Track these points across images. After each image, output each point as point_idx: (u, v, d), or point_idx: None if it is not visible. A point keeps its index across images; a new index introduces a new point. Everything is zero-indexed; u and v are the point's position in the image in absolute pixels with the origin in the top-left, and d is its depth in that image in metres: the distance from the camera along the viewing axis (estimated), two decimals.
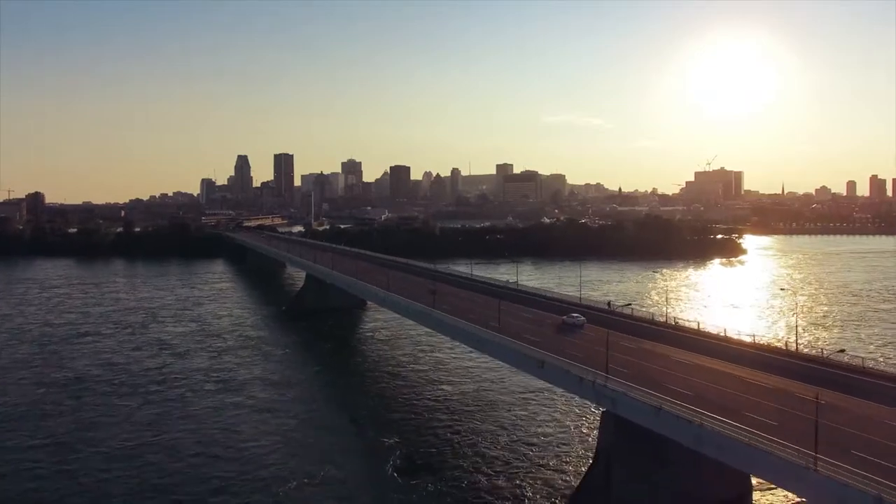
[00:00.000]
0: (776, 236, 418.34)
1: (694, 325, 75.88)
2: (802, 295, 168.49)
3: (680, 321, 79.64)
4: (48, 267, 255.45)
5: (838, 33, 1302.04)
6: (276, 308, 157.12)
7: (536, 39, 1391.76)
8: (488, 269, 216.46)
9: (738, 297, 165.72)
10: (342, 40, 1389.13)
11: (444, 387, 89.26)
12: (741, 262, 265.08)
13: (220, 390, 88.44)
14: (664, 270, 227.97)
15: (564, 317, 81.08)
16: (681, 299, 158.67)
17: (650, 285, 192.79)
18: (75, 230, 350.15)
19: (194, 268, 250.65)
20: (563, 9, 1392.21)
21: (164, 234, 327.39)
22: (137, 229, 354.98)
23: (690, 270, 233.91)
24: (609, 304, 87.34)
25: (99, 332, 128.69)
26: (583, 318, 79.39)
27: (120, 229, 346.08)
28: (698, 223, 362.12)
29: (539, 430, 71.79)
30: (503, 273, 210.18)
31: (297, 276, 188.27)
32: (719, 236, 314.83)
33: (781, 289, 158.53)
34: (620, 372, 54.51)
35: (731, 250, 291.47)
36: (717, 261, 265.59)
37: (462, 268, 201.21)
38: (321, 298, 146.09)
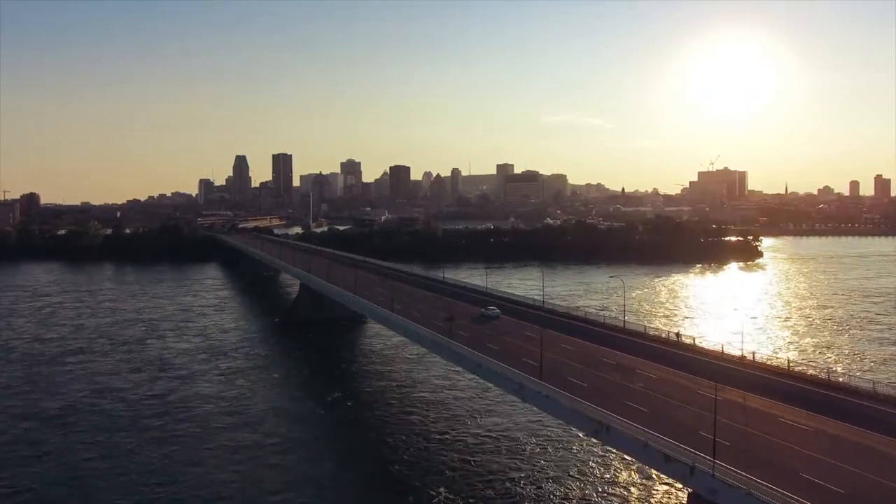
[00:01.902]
0: (784, 238, 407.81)
1: (782, 362, 62.69)
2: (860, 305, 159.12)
3: (761, 357, 64.33)
4: (37, 272, 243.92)
5: (838, 33, 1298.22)
6: (270, 319, 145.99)
7: (536, 39, 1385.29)
8: (500, 275, 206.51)
9: (788, 310, 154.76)
10: (342, 40, 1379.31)
11: (493, 418, 78.05)
12: (761, 267, 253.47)
13: (232, 426, 77.30)
14: (688, 274, 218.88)
15: (482, 309, 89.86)
16: (724, 315, 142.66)
17: (681, 293, 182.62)
18: (64, 232, 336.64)
19: (187, 273, 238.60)
20: (563, 9, 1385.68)
21: (155, 236, 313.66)
22: (128, 231, 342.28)
23: (710, 276, 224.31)
24: (678, 335, 74.68)
25: (93, 350, 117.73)
26: (498, 310, 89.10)
27: (109, 231, 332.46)
28: (709, 224, 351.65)
29: (614, 492, 60.73)
30: (518, 280, 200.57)
31: (295, 282, 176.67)
32: (733, 238, 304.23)
33: None
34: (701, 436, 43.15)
35: (746, 253, 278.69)
36: (734, 265, 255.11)
37: (467, 272, 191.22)
38: (318, 309, 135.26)
